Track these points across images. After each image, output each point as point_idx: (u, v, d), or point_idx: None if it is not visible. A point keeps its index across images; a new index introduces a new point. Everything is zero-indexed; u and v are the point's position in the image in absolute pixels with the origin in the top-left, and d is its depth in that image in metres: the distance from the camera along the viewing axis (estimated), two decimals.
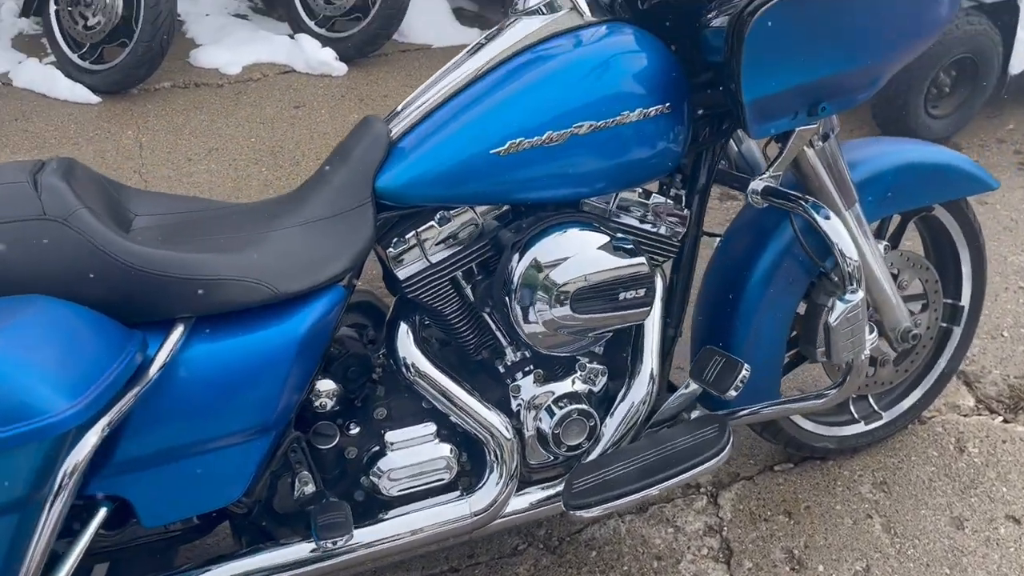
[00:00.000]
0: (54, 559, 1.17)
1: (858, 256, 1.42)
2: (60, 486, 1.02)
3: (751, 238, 1.70)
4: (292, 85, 3.90)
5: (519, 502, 1.49)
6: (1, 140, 3.39)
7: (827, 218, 1.42)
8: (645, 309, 1.43)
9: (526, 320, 1.39)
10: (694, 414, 1.66)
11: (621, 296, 1.40)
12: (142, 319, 1.21)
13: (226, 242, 1.30)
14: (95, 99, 3.70)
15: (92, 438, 1.03)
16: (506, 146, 1.32)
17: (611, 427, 1.54)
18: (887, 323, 1.75)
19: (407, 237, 1.38)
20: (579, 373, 1.53)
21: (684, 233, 1.54)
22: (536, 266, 1.36)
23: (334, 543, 1.31)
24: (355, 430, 1.45)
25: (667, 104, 1.37)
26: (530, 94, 1.34)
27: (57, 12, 3.80)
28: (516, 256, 1.37)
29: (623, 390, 1.55)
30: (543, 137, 1.32)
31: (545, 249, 1.37)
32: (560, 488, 1.49)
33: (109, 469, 1.22)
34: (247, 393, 1.27)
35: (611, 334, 1.53)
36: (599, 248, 1.38)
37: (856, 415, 1.97)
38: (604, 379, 1.56)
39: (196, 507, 1.32)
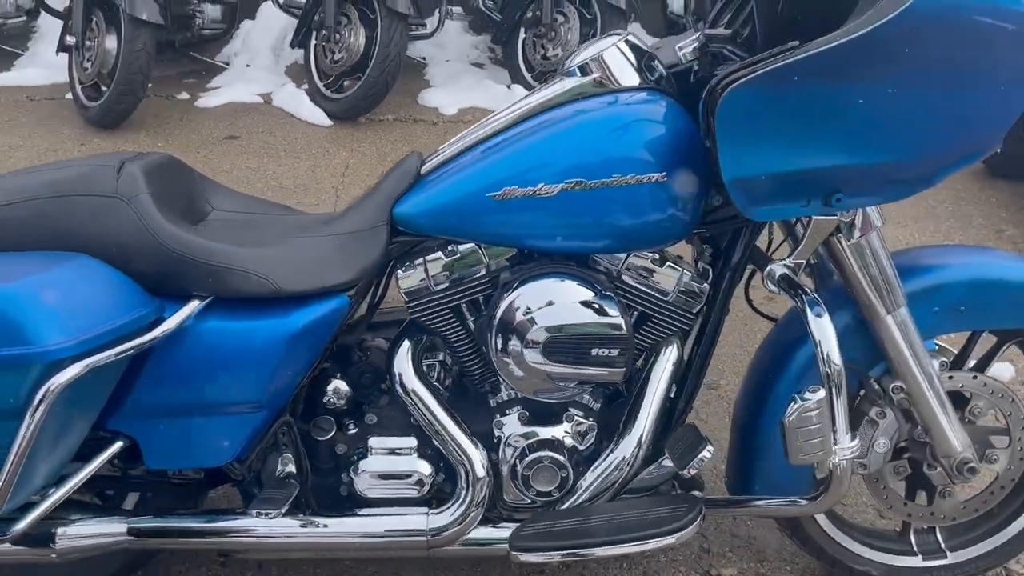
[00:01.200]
0: (65, 477, 1.43)
1: (839, 360, 1.33)
2: (38, 404, 1.25)
3: (798, 328, 1.62)
4: None
5: (479, 533, 1.53)
6: (246, 144, 3.99)
7: (818, 316, 1.34)
8: (617, 370, 1.43)
9: (502, 358, 1.45)
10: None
11: (593, 352, 1.42)
12: (168, 291, 1.44)
13: (259, 240, 1.50)
14: (328, 122, 4.23)
15: (73, 370, 1.26)
16: (501, 192, 1.40)
17: (587, 482, 1.53)
18: (938, 449, 1.58)
19: (416, 262, 1.50)
20: (567, 424, 1.55)
21: (699, 308, 1.52)
22: (517, 307, 1.42)
23: (267, 515, 1.45)
24: (352, 430, 1.59)
25: (664, 173, 1.37)
26: (532, 146, 1.42)
27: (315, 46, 4.40)
28: (503, 294, 1.44)
29: (608, 449, 1.55)
30: (536, 188, 1.39)
31: (529, 292, 1.43)
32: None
33: (124, 410, 1.45)
34: (242, 372, 1.45)
35: (608, 390, 1.54)
36: (581, 302, 1.41)
37: (916, 547, 1.77)
38: (593, 435, 1.56)
39: (191, 461, 1.52)
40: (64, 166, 1.53)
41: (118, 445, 1.48)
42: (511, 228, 1.44)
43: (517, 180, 1.40)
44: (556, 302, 1.41)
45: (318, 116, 4.25)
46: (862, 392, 1.62)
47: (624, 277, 1.50)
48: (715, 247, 1.56)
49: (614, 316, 1.41)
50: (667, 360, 1.54)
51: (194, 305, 1.43)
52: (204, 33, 4.85)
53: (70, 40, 4.17)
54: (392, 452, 1.56)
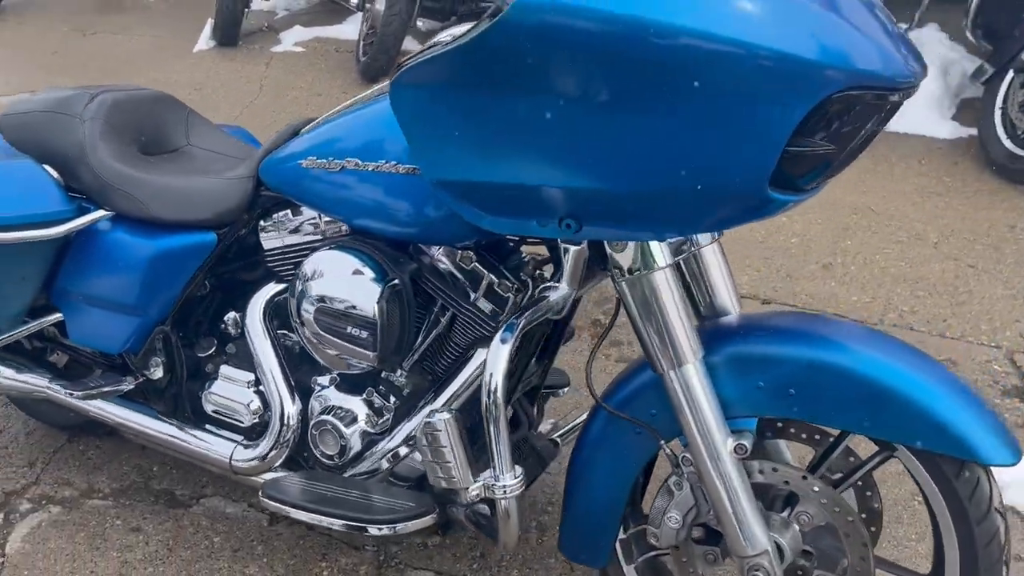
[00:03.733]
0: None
1: (500, 391, 1.21)
2: None
3: None
4: None
5: (276, 474, 1.65)
6: None
7: (502, 341, 1.23)
8: (370, 353, 1.44)
9: (294, 319, 1.55)
10: None
11: (348, 330, 1.45)
12: (89, 202, 1.74)
13: (171, 172, 1.75)
14: None
15: None
16: (307, 160, 1.48)
17: (364, 457, 1.57)
18: (727, 543, 1.35)
19: (272, 219, 1.64)
20: (363, 398, 1.59)
21: (502, 317, 1.46)
22: (303, 274, 1.51)
23: (71, 394, 1.72)
24: (219, 355, 1.79)
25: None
26: (338, 121, 1.48)
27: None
28: (304, 259, 1.53)
29: (391, 435, 1.56)
30: (326, 161, 1.45)
31: (313, 260, 1.50)
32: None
33: (56, 289, 1.81)
34: (126, 278, 1.72)
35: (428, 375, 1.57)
36: (352, 275, 1.45)
37: None
38: (389, 416, 1.58)
39: (96, 343, 1.83)
40: (72, 90, 1.90)
41: (53, 316, 1.85)
42: (318, 199, 1.51)
43: (316, 151, 1.47)
44: (326, 273, 1.47)
45: None
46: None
47: (431, 272, 1.49)
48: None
49: (371, 298, 1.42)
50: (472, 364, 1.50)
51: (99, 214, 1.73)
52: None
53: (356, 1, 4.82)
54: (233, 381, 1.73)
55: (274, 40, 5.44)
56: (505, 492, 1.29)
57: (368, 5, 4.70)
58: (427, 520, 1.45)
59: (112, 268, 1.74)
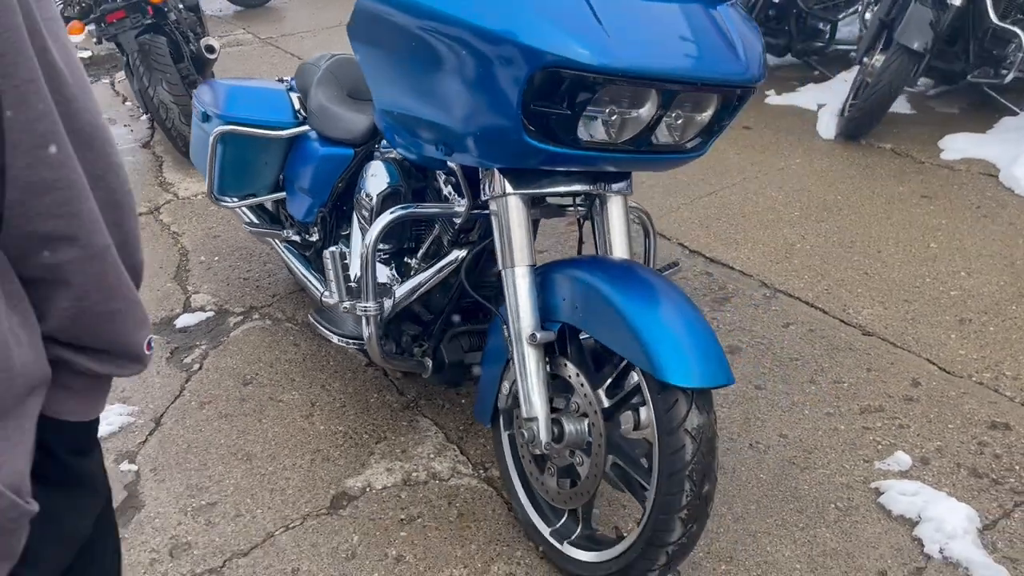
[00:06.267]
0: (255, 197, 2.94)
1: (373, 238, 1.85)
2: (215, 141, 2.73)
3: None
4: None
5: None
6: (756, 137, 4.64)
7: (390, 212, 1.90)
8: (367, 225, 2.18)
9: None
10: None
11: (363, 211, 2.21)
12: (306, 120, 2.73)
13: (349, 110, 2.65)
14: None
15: (224, 128, 2.68)
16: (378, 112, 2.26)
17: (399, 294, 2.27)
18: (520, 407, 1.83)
19: (382, 143, 2.46)
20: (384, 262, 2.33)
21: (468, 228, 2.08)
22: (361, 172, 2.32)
23: (283, 240, 2.68)
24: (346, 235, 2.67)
25: None
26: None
27: None
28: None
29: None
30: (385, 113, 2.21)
31: (368, 165, 2.30)
32: None
33: (284, 175, 2.85)
34: (306, 171, 2.67)
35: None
36: (372, 176, 2.23)
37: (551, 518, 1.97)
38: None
39: (293, 213, 2.82)
40: (328, 53, 2.91)
41: (280, 193, 2.89)
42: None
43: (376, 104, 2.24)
44: (365, 172, 2.25)
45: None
46: None
47: (430, 186, 2.19)
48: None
49: (378, 190, 2.17)
50: (444, 259, 2.15)
51: (302, 129, 2.70)
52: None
53: None
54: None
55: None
56: (366, 311, 1.94)
57: (866, 60, 4.43)
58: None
59: (303, 165, 2.70)
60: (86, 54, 7.44)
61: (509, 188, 1.80)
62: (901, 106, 4.80)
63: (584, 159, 1.68)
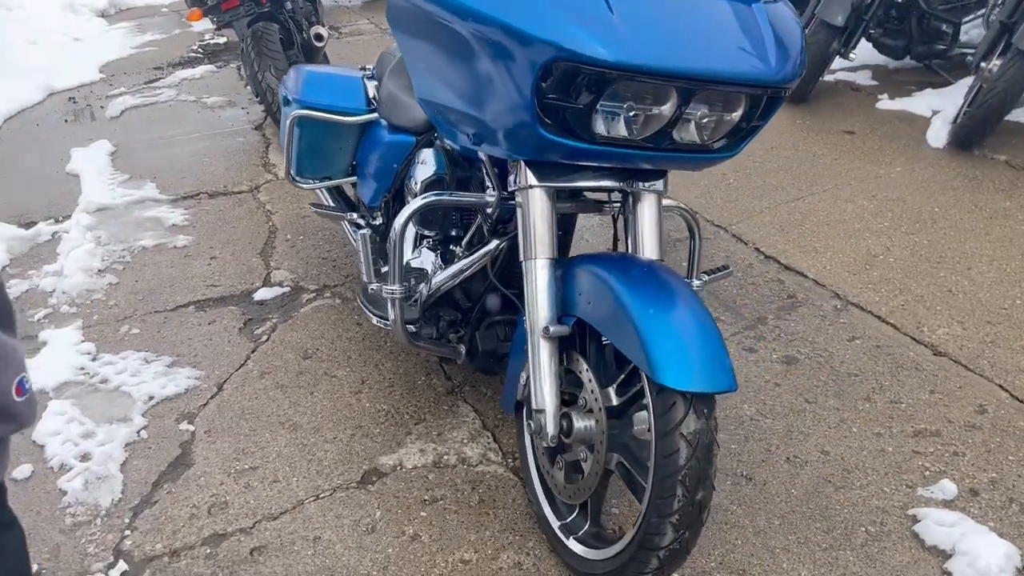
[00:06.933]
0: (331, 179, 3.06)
1: (402, 221, 1.90)
2: (291, 125, 2.86)
3: None
4: None
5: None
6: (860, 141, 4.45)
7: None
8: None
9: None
10: None
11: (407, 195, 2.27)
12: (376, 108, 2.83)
13: (407, 98, 2.72)
14: None
15: (299, 112, 2.81)
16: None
17: (436, 280, 2.32)
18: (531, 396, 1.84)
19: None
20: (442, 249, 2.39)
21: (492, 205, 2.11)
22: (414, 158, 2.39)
23: (350, 220, 2.79)
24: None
25: None
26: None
27: None
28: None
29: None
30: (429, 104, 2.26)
31: (420, 151, 2.36)
32: None
33: (356, 160, 2.96)
34: (373, 157, 2.76)
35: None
36: (422, 164, 2.29)
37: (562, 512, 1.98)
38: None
39: (363, 196, 2.92)
40: None
41: (353, 178, 3.01)
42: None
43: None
44: (416, 157, 2.32)
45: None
46: None
47: (474, 175, 2.23)
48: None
49: (425, 176, 2.24)
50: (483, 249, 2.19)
51: (371, 117, 2.80)
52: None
53: None
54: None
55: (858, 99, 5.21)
56: (392, 294, 1.99)
57: (983, 65, 4.13)
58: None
59: (371, 151, 2.80)
60: (222, 40, 7.89)
61: (533, 180, 1.81)
62: (1023, 116, 4.48)
63: (602, 155, 1.67)
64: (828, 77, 5.36)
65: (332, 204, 3.15)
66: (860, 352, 2.69)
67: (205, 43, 7.88)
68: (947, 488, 2.11)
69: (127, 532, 2.13)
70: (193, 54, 7.52)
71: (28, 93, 6.34)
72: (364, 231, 2.13)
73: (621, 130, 1.64)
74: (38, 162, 4.95)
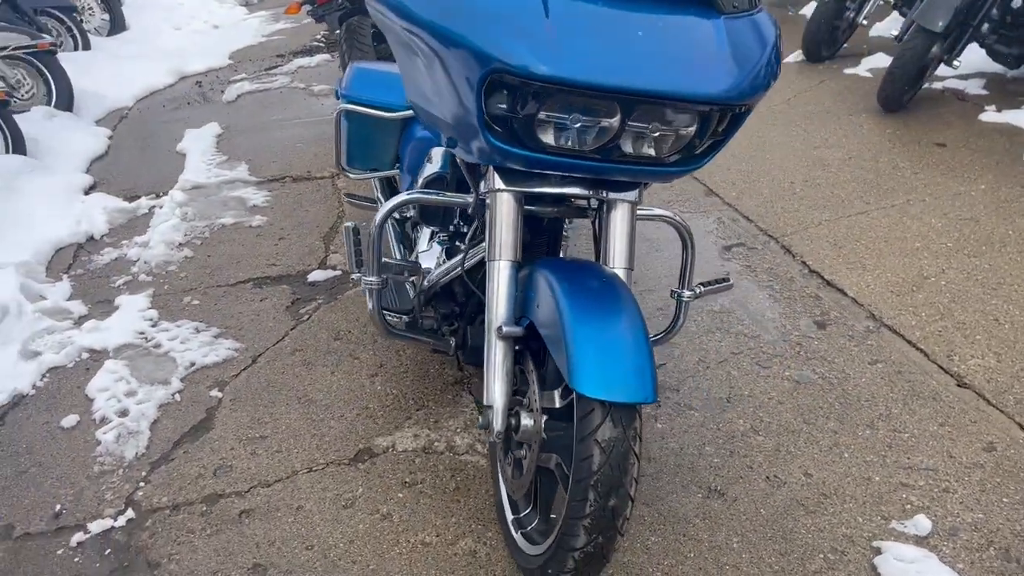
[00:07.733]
0: (378, 171, 3.22)
1: (382, 214, 2.00)
2: (338, 117, 3.01)
3: None
4: None
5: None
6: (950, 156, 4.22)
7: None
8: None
9: None
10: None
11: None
12: None
13: None
14: None
15: (346, 105, 2.97)
16: None
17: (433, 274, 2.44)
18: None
19: None
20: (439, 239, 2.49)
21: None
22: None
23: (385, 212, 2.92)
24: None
25: None
26: None
27: None
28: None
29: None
30: None
31: (432, 150, 2.47)
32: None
33: (399, 153, 3.11)
34: (408, 150, 2.90)
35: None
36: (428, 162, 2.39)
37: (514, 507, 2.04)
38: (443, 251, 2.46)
39: (404, 186, 3.07)
40: None
41: (395, 170, 3.16)
42: None
43: None
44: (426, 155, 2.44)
45: None
46: None
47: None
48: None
49: (435, 167, 2.35)
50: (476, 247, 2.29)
51: (406, 113, 2.93)
52: None
53: None
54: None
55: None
56: (369, 285, 2.11)
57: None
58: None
59: (408, 145, 2.93)
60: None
61: (500, 184, 1.88)
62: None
63: (553, 164, 1.72)
64: (936, 85, 5.08)
65: (379, 194, 3.31)
66: (878, 377, 2.60)
67: (328, 33, 8.28)
68: (921, 524, 2.03)
69: (141, 484, 2.37)
70: (315, 43, 7.93)
71: (162, 76, 6.89)
72: (348, 224, 2.26)
73: (570, 141, 1.69)
74: (155, 141, 5.40)
